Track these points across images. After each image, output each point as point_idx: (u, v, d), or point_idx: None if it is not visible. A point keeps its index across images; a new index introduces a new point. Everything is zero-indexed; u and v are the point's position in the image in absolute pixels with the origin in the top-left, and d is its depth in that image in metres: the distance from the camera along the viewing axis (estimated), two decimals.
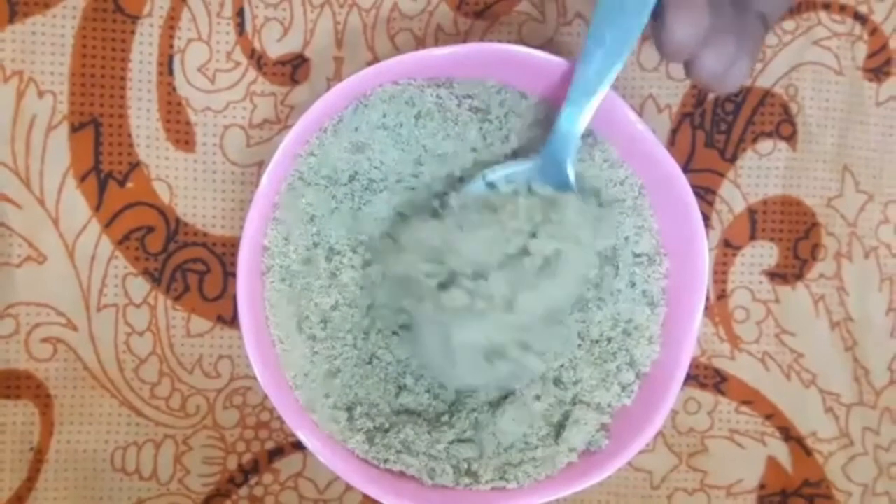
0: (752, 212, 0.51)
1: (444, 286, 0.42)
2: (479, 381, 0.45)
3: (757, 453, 0.52)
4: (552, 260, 0.42)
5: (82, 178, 0.47)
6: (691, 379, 0.51)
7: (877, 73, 0.52)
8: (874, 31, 0.52)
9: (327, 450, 0.44)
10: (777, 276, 0.52)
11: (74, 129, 0.47)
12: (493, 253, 0.42)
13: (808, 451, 0.52)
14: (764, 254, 0.51)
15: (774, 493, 0.51)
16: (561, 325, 0.46)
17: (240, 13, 0.48)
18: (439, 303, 0.42)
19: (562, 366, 0.46)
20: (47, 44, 0.47)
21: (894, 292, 0.52)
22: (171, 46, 0.48)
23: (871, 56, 0.52)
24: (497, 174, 0.45)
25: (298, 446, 0.49)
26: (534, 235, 0.42)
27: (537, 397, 0.46)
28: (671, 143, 0.51)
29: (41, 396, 0.47)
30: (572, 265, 0.42)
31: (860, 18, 0.51)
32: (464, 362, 0.43)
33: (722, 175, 0.51)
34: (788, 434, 0.52)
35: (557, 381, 0.46)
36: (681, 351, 0.46)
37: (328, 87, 0.48)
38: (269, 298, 0.44)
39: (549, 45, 0.50)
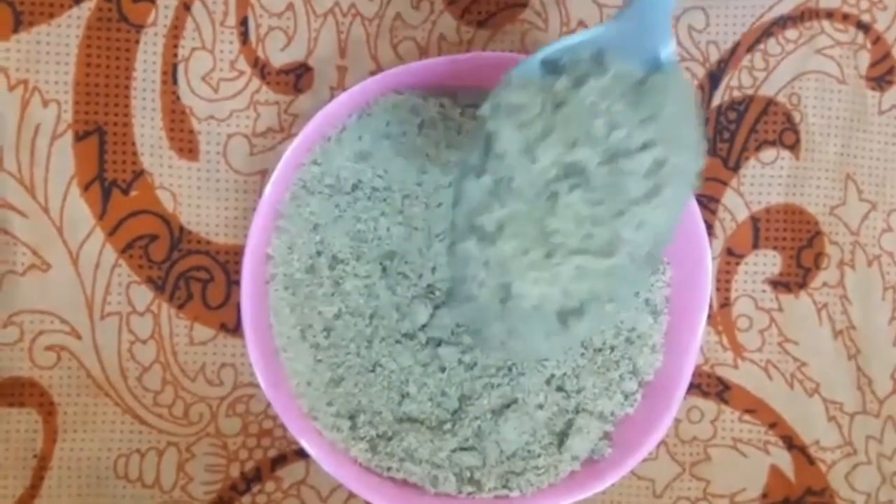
0: (755, 220, 0.51)
1: (497, 232, 0.36)
2: (545, 351, 0.41)
3: (760, 462, 0.51)
4: (652, 172, 0.35)
5: (86, 187, 0.47)
6: (694, 387, 0.51)
7: (880, 81, 0.52)
8: (877, 40, 0.52)
9: (330, 457, 0.44)
10: (780, 284, 0.52)
11: (79, 137, 0.47)
12: (556, 172, 0.35)
13: (811, 460, 0.52)
14: (767, 262, 0.51)
15: (777, 502, 0.51)
16: (655, 261, 0.38)
17: (243, 22, 0.48)
18: (498, 251, 0.36)
19: (565, 374, 0.46)
20: (52, 53, 0.47)
21: None
22: (175, 55, 0.48)
23: (873, 65, 0.52)
24: (557, 46, 0.36)
25: (301, 454, 0.49)
26: (622, 137, 0.35)
27: (540, 406, 0.46)
28: None
29: (45, 404, 0.47)
30: (678, 178, 0.35)
31: (863, 27, 0.51)
32: (528, 327, 0.37)
33: (725, 183, 0.51)
34: (791, 443, 0.51)
35: (560, 389, 0.46)
36: (684, 359, 0.46)
37: (331, 96, 0.48)
38: (273, 307, 0.45)
39: None
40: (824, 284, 0.52)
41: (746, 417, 0.51)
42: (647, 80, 0.35)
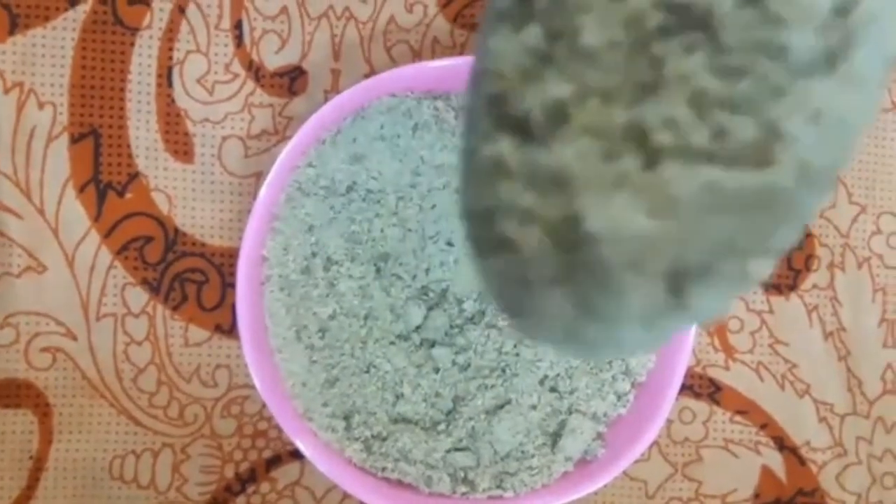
0: None
1: (553, 123, 0.24)
2: (639, 342, 0.25)
3: (751, 463, 0.52)
4: (835, 19, 0.23)
5: (82, 189, 0.47)
6: (686, 388, 0.51)
7: None
8: None
9: (325, 458, 0.44)
10: (771, 286, 0.52)
11: (74, 140, 0.47)
12: (659, 19, 0.23)
13: (802, 461, 0.52)
14: None
15: (769, 502, 0.52)
16: (831, 182, 0.24)
17: (238, 25, 0.49)
18: (556, 157, 0.23)
19: (558, 375, 0.46)
20: (47, 55, 0.47)
21: (887, 303, 0.52)
22: (171, 58, 0.48)
23: None
24: None
25: (296, 455, 0.49)
26: None
27: (533, 406, 0.46)
28: None
29: (40, 405, 0.47)
30: (877, 31, 0.23)
31: None
32: (614, 300, 0.24)
33: None
34: (782, 444, 0.52)
35: (553, 390, 0.46)
36: (676, 360, 0.46)
37: (325, 99, 0.48)
38: (268, 308, 0.45)
39: None
40: (815, 286, 0.52)
41: (738, 418, 0.52)
42: None
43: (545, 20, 0.24)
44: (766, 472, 0.52)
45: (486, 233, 0.24)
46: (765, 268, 0.24)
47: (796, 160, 0.23)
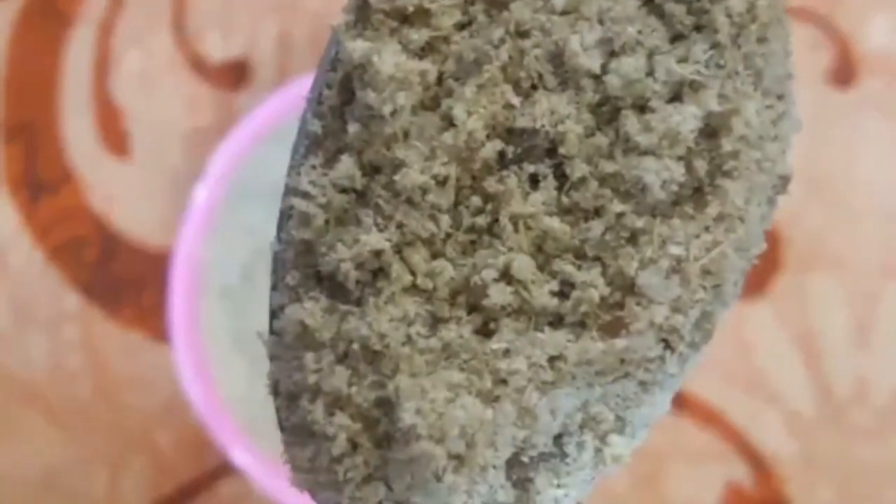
0: None
1: (368, 282, 0.21)
2: None
3: (716, 474, 0.51)
4: (701, 148, 0.20)
5: (14, 187, 0.47)
6: None
7: (840, 81, 0.51)
8: (837, 39, 0.51)
9: (264, 471, 0.43)
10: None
11: (6, 136, 0.47)
12: (494, 148, 0.21)
13: (769, 471, 0.51)
14: None
15: None
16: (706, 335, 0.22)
17: (180, 16, 0.48)
18: (369, 323, 0.20)
19: None
20: None
21: (856, 307, 0.52)
22: (109, 51, 0.47)
23: (834, 64, 0.51)
24: None
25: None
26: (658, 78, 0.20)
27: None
28: None
29: None
30: (750, 164, 0.21)
31: (822, 24, 0.51)
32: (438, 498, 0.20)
33: None
34: (748, 453, 0.51)
35: None
36: None
37: (272, 94, 0.47)
38: (206, 315, 0.44)
39: None
40: (783, 290, 0.51)
41: (702, 428, 0.51)
42: None
43: (360, 151, 0.21)
44: (732, 484, 0.51)
45: (291, 416, 0.21)
46: (625, 445, 0.21)
47: (657, 323, 0.20)
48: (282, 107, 0.43)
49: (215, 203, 0.44)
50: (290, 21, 0.48)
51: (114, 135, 0.47)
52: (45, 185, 0.47)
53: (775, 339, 0.51)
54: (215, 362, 0.44)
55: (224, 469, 0.48)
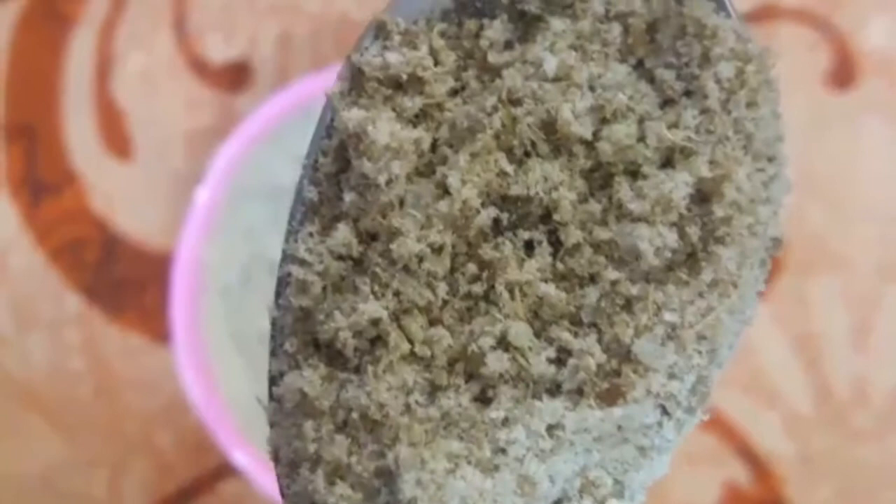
0: None
1: (367, 351, 0.21)
2: None
3: (715, 474, 0.51)
4: (693, 214, 0.20)
5: (16, 189, 0.46)
6: None
7: (839, 83, 0.51)
8: (836, 40, 0.51)
9: (264, 471, 0.43)
10: None
11: (7, 137, 0.46)
12: (488, 216, 0.21)
13: (767, 471, 0.51)
14: None
15: None
16: (703, 400, 0.21)
17: (181, 18, 0.47)
18: (369, 393, 0.20)
19: None
20: None
21: (856, 308, 0.51)
22: (110, 53, 0.47)
23: (833, 66, 0.51)
24: None
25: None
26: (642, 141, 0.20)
27: None
28: None
29: None
30: (742, 229, 0.20)
31: (820, 27, 0.51)
32: None
33: None
34: (747, 453, 0.51)
35: None
36: None
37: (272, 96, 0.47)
38: (206, 316, 0.44)
39: None
40: (783, 291, 0.51)
41: (702, 429, 0.50)
42: (670, 18, 0.21)
43: (356, 219, 0.21)
44: (731, 483, 0.51)
45: (292, 484, 0.21)
46: None
47: (654, 390, 0.20)
48: (282, 108, 0.43)
49: (216, 204, 0.44)
50: (291, 23, 0.48)
51: (115, 136, 0.47)
52: (46, 186, 0.47)
53: (775, 340, 0.51)
54: (215, 362, 0.44)
55: (224, 469, 0.48)
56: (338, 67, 0.42)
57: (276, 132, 0.44)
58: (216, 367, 0.44)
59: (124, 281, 0.47)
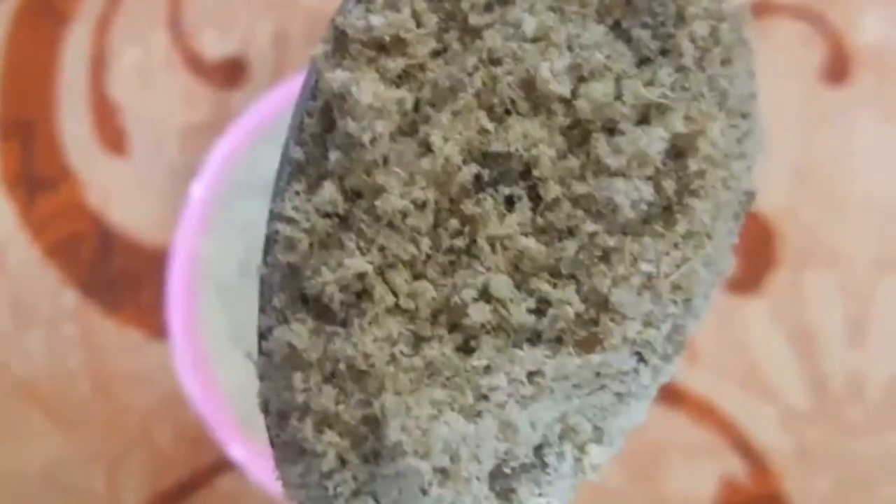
0: None
1: (352, 304, 0.21)
2: None
3: (712, 468, 0.51)
4: (670, 166, 0.21)
5: (11, 185, 0.46)
6: None
7: (833, 78, 0.51)
8: (830, 35, 0.51)
9: (262, 465, 0.43)
10: (734, 285, 0.51)
11: (4, 133, 0.46)
12: (470, 172, 0.21)
13: (764, 465, 0.51)
14: None
15: None
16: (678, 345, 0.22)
17: (176, 13, 0.47)
18: (355, 343, 0.21)
19: None
20: None
21: (851, 302, 0.51)
22: (105, 49, 0.47)
23: (826, 61, 0.51)
24: None
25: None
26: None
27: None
28: None
29: None
30: (715, 180, 0.21)
31: (815, 22, 0.51)
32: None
33: None
34: (744, 448, 0.51)
35: None
36: None
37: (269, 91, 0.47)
38: (203, 310, 0.44)
39: None
40: (779, 285, 0.51)
41: (698, 422, 0.51)
42: None
43: (342, 177, 0.21)
44: (728, 478, 0.51)
45: (282, 434, 0.22)
46: (603, 454, 0.22)
47: (630, 338, 0.21)
48: (278, 104, 0.43)
49: (212, 199, 0.44)
50: (287, 18, 0.48)
51: (110, 132, 0.47)
52: (41, 182, 0.47)
53: (770, 334, 0.51)
54: (213, 357, 0.44)
55: (223, 464, 0.48)
56: None
57: (271, 127, 0.44)
58: (214, 362, 0.44)
59: (121, 276, 0.47)
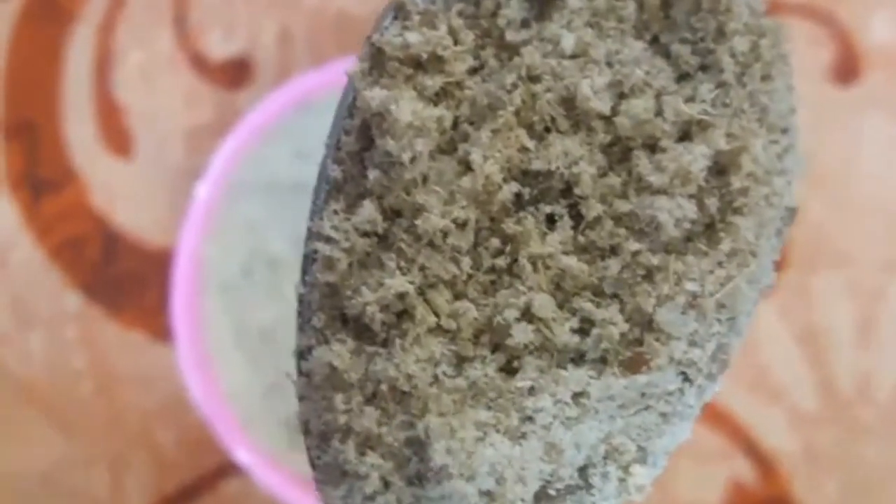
0: None
1: (394, 324, 0.21)
2: None
3: (720, 471, 0.50)
4: (711, 186, 0.21)
5: (15, 186, 0.46)
6: None
7: (842, 78, 0.51)
8: (839, 35, 0.51)
9: (266, 469, 0.43)
10: None
11: (7, 134, 0.46)
12: (510, 191, 0.21)
13: (773, 468, 0.51)
14: None
15: None
16: (723, 365, 0.21)
17: (181, 14, 0.47)
18: (397, 365, 0.20)
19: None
20: None
21: (860, 303, 0.51)
22: (109, 49, 0.47)
23: (836, 60, 0.51)
24: None
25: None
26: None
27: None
28: None
29: None
30: (760, 199, 0.21)
31: (824, 22, 0.50)
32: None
33: None
34: (753, 450, 0.51)
35: None
36: None
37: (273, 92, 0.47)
38: (207, 311, 0.43)
39: None
40: (787, 287, 0.51)
41: (706, 425, 0.50)
42: None
43: (381, 196, 0.21)
44: (736, 480, 0.51)
45: (323, 456, 0.22)
46: (648, 475, 0.21)
47: (675, 358, 0.21)
48: (282, 104, 0.43)
49: (216, 200, 0.43)
50: (291, 19, 0.48)
51: (115, 133, 0.47)
52: (46, 183, 0.46)
53: (779, 336, 0.51)
54: (216, 358, 0.44)
55: (226, 467, 0.48)
56: (338, 63, 0.42)
57: (275, 128, 0.44)
58: (217, 363, 0.43)
59: (124, 278, 0.47)
